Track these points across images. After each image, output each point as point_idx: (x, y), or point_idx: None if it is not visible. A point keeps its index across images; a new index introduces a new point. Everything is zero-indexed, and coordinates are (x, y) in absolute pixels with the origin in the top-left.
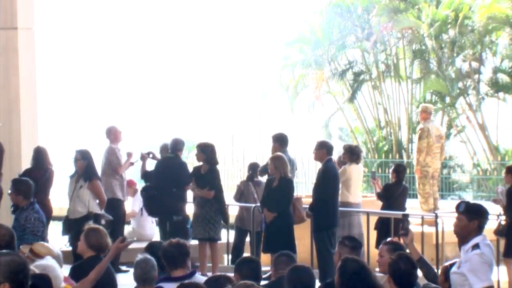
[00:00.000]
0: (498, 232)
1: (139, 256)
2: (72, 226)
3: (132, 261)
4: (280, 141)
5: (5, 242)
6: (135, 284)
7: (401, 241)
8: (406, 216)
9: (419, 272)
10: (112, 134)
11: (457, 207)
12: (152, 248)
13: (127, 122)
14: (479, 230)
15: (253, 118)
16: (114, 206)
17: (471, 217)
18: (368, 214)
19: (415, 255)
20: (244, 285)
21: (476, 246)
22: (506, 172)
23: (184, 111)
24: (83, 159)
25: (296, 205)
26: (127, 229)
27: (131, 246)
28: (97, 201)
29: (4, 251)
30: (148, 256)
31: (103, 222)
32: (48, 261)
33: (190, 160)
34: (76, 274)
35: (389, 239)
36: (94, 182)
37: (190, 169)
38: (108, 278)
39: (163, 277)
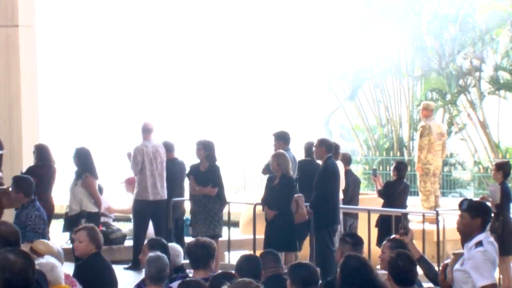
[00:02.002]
0: (494, 229)
1: (151, 254)
2: (70, 223)
3: (130, 258)
4: (283, 139)
5: (14, 240)
6: (134, 281)
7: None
8: (405, 214)
9: (421, 270)
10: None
11: (460, 204)
12: (155, 245)
13: (129, 120)
14: (482, 227)
15: (255, 116)
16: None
17: (474, 215)
18: (369, 211)
19: (415, 254)
20: (242, 282)
21: (479, 244)
22: (496, 169)
23: (184, 109)
24: (77, 157)
25: (298, 203)
26: (128, 226)
27: (131, 244)
28: (93, 200)
29: (8, 248)
30: (160, 254)
31: (102, 220)
32: (49, 259)
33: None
34: (81, 273)
35: (392, 236)
36: (87, 180)
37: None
38: (109, 275)
39: (181, 275)
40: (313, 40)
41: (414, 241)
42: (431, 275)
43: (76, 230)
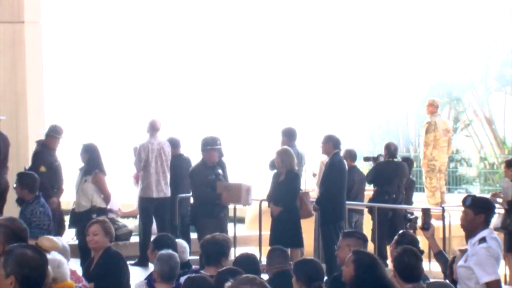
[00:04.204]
0: (506, 226)
1: (164, 252)
2: (78, 219)
3: (136, 254)
4: (287, 135)
5: (24, 237)
6: (141, 277)
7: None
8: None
9: (438, 267)
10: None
11: (464, 201)
12: (163, 241)
13: (135, 116)
14: (485, 223)
15: (261, 112)
16: None
17: (478, 211)
18: (375, 208)
19: (434, 249)
20: (246, 278)
21: (483, 240)
22: (507, 166)
23: (191, 104)
24: (85, 153)
25: (303, 199)
26: (133, 223)
27: (137, 240)
28: (102, 195)
29: (23, 244)
30: (173, 252)
31: (109, 216)
32: (55, 255)
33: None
34: (103, 266)
35: (401, 231)
36: (97, 176)
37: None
38: (123, 267)
39: (192, 270)
40: (315, 38)
41: (419, 237)
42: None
43: (89, 224)
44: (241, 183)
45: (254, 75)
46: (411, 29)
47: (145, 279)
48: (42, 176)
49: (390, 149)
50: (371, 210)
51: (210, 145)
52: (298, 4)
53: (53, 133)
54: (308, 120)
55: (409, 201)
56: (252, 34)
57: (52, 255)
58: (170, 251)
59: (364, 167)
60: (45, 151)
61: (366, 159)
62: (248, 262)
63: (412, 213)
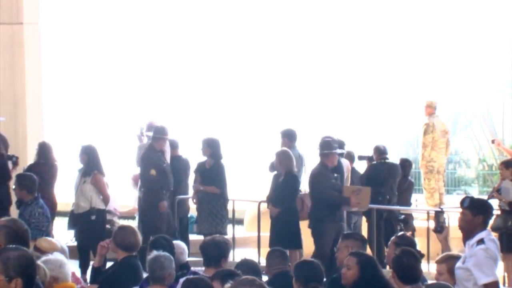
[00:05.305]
0: (508, 226)
1: (153, 254)
2: (77, 221)
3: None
4: (288, 136)
5: (26, 238)
6: None
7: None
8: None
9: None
10: None
11: (462, 202)
12: (160, 243)
13: (134, 117)
14: (483, 225)
15: (261, 112)
16: None
17: (476, 212)
18: (374, 209)
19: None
20: (246, 279)
21: (481, 241)
22: (505, 167)
23: (190, 105)
24: (84, 154)
25: (304, 201)
26: (132, 223)
27: None
28: (101, 196)
29: (12, 246)
30: (161, 253)
31: (108, 217)
32: (57, 255)
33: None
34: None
35: (400, 233)
36: (96, 177)
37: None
38: (136, 272)
39: (191, 271)
40: (315, 38)
41: (417, 239)
42: None
43: None
44: (367, 187)
45: (254, 76)
46: (410, 30)
47: (139, 285)
48: (152, 180)
49: (380, 150)
50: (365, 212)
51: (329, 149)
52: (298, 4)
53: (160, 135)
54: (308, 121)
55: (407, 203)
56: (252, 34)
57: (54, 255)
58: (155, 252)
59: (363, 169)
60: (153, 154)
61: (361, 157)
62: (248, 266)
63: (402, 214)
